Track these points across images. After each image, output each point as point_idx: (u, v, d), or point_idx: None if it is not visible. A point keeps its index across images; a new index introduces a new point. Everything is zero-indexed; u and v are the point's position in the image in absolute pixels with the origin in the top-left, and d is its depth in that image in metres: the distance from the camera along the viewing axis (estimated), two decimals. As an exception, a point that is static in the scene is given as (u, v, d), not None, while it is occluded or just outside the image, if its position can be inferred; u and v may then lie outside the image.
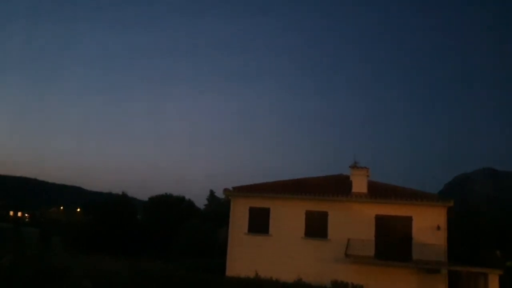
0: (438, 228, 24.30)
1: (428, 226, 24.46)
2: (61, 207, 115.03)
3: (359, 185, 26.25)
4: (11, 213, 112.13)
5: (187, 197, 52.47)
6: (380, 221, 25.14)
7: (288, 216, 26.31)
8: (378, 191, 25.98)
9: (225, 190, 27.88)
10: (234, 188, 27.74)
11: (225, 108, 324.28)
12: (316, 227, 25.87)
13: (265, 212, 26.70)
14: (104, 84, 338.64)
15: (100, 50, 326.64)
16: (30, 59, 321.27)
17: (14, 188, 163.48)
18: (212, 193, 58.49)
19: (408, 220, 24.89)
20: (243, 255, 26.07)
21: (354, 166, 26.84)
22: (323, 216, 25.89)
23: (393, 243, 24.76)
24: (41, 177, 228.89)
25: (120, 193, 50.37)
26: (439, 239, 24.12)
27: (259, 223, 26.65)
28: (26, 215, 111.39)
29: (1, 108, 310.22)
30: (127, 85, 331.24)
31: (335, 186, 27.04)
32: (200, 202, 59.78)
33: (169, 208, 46.82)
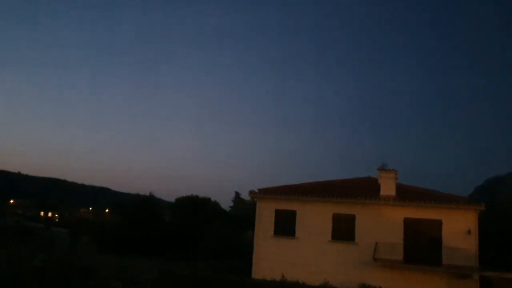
0: (469, 232, 23.72)
1: (459, 230, 23.90)
2: (90, 208, 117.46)
3: (387, 187, 25.84)
4: (42, 213, 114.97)
5: (212, 198, 52.92)
6: (409, 224, 24.70)
7: (315, 219, 26.12)
8: (407, 194, 25.54)
9: (251, 192, 27.87)
10: (259, 190, 27.70)
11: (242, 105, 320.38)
12: (343, 230, 25.61)
13: (291, 215, 26.57)
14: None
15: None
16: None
17: (45, 189, 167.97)
18: (237, 194, 58.80)
19: (437, 223, 24.36)
20: (269, 257, 25.99)
21: (382, 169, 26.46)
22: (351, 219, 25.61)
23: (422, 247, 24.30)
24: (71, 178, 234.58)
25: (148, 194, 51.12)
26: (470, 244, 23.53)
27: (285, 225, 26.54)
28: (56, 215, 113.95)
29: (33, 111, 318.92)
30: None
31: (363, 189, 26.72)
32: (226, 203, 60.13)
33: (195, 209, 47.20)
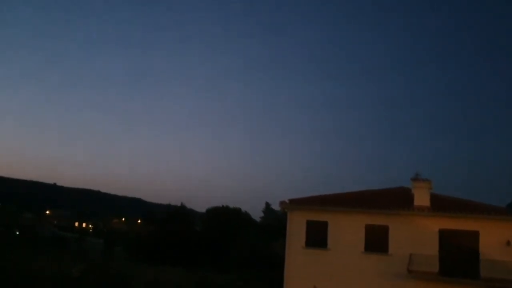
0: (508, 243, 23.00)
1: (497, 241, 23.18)
2: (123, 218, 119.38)
3: (422, 198, 25.34)
4: (77, 223, 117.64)
5: (243, 209, 53.11)
6: (445, 235, 24.12)
7: (347, 230, 25.82)
8: (442, 204, 24.98)
9: (281, 202, 27.75)
10: (290, 200, 27.55)
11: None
12: (376, 241, 25.19)
13: (323, 226, 26.32)
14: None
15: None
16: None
17: (80, 200, 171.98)
18: (268, 205, 58.72)
19: (474, 234, 23.70)
20: (301, 269, 25.81)
21: (416, 179, 26.00)
22: (384, 230, 25.17)
23: (458, 259, 23.68)
24: (104, 189, 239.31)
25: (179, 204, 51.69)
26: (510, 256, 22.78)
27: (316, 236, 26.31)
28: (90, 226, 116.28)
29: (67, 124, 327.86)
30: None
31: (396, 199, 26.30)
32: (256, 214, 60.06)
33: (226, 220, 47.44)
